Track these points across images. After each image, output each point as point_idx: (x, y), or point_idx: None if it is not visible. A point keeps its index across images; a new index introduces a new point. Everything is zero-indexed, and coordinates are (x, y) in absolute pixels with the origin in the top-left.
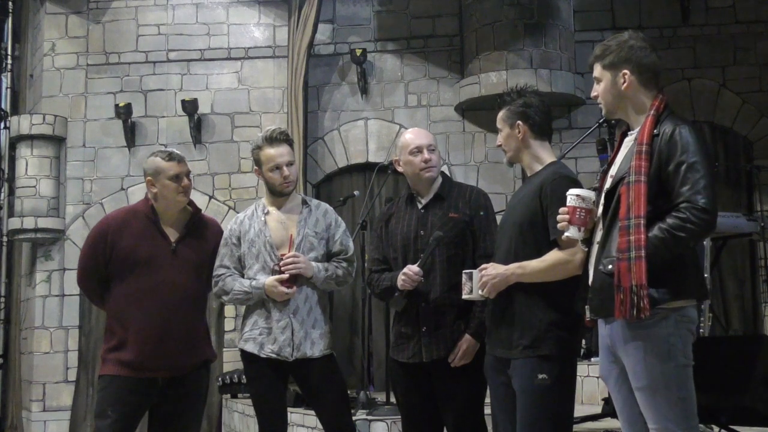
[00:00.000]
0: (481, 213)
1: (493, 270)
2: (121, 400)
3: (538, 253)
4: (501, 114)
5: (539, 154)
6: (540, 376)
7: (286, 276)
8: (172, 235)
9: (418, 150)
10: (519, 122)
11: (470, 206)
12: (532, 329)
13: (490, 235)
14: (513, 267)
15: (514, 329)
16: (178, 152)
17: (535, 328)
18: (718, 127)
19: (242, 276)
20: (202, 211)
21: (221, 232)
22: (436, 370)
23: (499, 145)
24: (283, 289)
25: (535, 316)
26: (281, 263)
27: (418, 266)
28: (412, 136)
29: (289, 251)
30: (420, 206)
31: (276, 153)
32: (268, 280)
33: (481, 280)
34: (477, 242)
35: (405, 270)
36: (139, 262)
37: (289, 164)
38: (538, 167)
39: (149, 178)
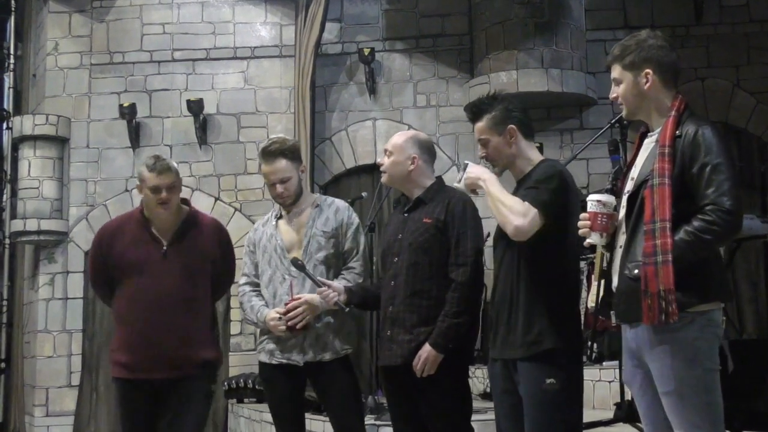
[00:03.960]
0: (457, 221)
1: (473, 169)
2: (124, 401)
3: (543, 252)
4: (485, 123)
5: (530, 156)
6: (548, 381)
7: (282, 310)
8: (165, 238)
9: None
10: (511, 127)
11: (446, 212)
12: (533, 325)
13: (464, 243)
14: (486, 176)
15: (517, 328)
16: (165, 162)
17: (537, 324)
18: (732, 128)
19: (257, 283)
20: (205, 212)
21: (220, 231)
22: (412, 376)
23: (483, 157)
24: (282, 327)
25: (537, 312)
26: (287, 318)
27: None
28: None
29: (291, 299)
30: (404, 210)
31: (269, 170)
32: (269, 314)
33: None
34: (451, 250)
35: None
36: (131, 267)
37: (283, 181)
38: (530, 169)
39: (138, 183)
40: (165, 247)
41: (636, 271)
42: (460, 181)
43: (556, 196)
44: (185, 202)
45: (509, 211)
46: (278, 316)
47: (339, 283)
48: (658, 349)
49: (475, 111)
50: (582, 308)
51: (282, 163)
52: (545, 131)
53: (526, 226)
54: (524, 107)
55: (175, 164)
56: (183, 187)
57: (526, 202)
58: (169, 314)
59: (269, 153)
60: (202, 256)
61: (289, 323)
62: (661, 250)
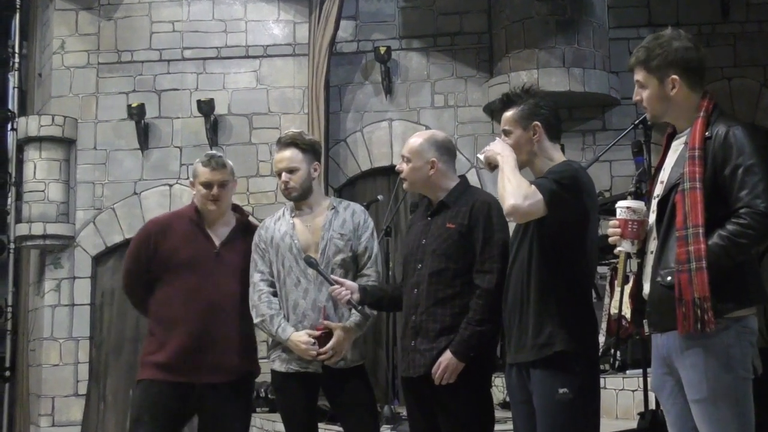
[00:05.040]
0: (482, 225)
1: (496, 145)
2: (157, 404)
3: (557, 253)
4: (512, 114)
5: (552, 156)
6: (561, 391)
7: (316, 333)
8: (217, 238)
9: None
10: (536, 123)
11: (470, 216)
12: (544, 327)
13: (490, 249)
14: (506, 154)
15: (529, 331)
16: (221, 159)
17: (548, 325)
18: (760, 129)
19: (273, 282)
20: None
21: None
22: (432, 386)
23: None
24: (312, 353)
25: (548, 314)
26: (319, 351)
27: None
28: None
29: (322, 326)
30: (428, 214)
31: (277, 158)
32: (294, 336)
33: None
34: (476, 255)
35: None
36: (182, 264)
37: (290, 171)
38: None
39: (191, 179)
40: (218, 247)
41: (669, 278)
42: (482, 153)
43: (565, 190)
44: (238, 209)
45: (513, 188)
46: (312, 340)
47: (352, 282)
48: (690, 356)
49: (505, 101)
50: (605, 314)
51: (291, 152)
52: (566, 132)
53: (525, 207)
54: (555, 107)
55: (231, 163)
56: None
57: (533, 186)
58: (223, 316)
59: (282, 141)
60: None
61: (319, 356)
62: (695, 256)
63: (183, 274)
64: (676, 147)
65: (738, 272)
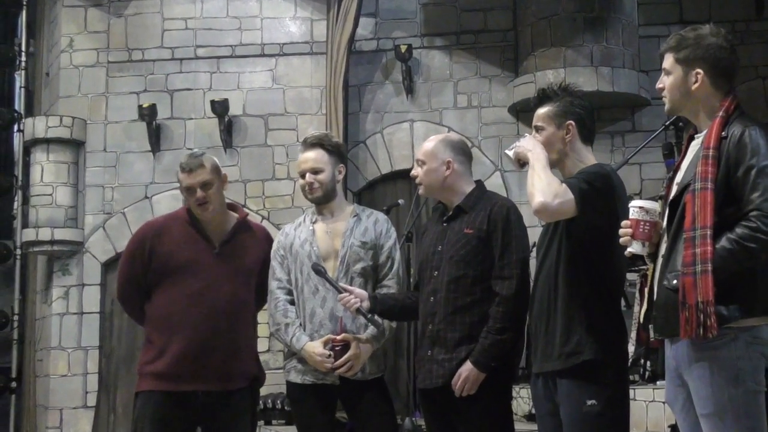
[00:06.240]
0: (501, 230)
1: (527, 141)
2: (158, 417)
3: (586, 258)
4: (546, 110)
5: (583, 158)
6: (589, 403)
7: (329, 340)
8: (216, 239)
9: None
10: (570, 122)
11: (489, 221)
12: (572, 335)
13: (509, 255)
14: (538, 151)
15: (555, 338)
16: (195, 159)
17: (577, 333)
18: None
19: (290, 290)
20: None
21: (269, 237)
22: (451, 397)
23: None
24: (327, 365)
25: (577, 321)
26: (335, 365)
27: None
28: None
29: (339, 337)
30: (443, 219)
31: (301, 159)
32: (308, 346)
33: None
34: (495, 261)
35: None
36: (181, 267)
37: (314, 171)
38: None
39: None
40: (218, 247)
41: (675, 281)
42: (511, 149)
43: (597, 192)
44: (235, 208)
45: (543, 186)
46: (327, 352)
47: (362, 290)
48: (698, 368)
49: (541, 97)
50: (635, 323)
51: (317, 153)
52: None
53: (554, 206)
54: (591, 108)
55: (213, 159)
56: None
57: (564, 185)
58: (225, 319)
59: (307, 142)
60: (255, 259)
61: (336, 370)
62: (701, 259)
63: (182, 277)
64: (694, 147)
65: (748, 279)
